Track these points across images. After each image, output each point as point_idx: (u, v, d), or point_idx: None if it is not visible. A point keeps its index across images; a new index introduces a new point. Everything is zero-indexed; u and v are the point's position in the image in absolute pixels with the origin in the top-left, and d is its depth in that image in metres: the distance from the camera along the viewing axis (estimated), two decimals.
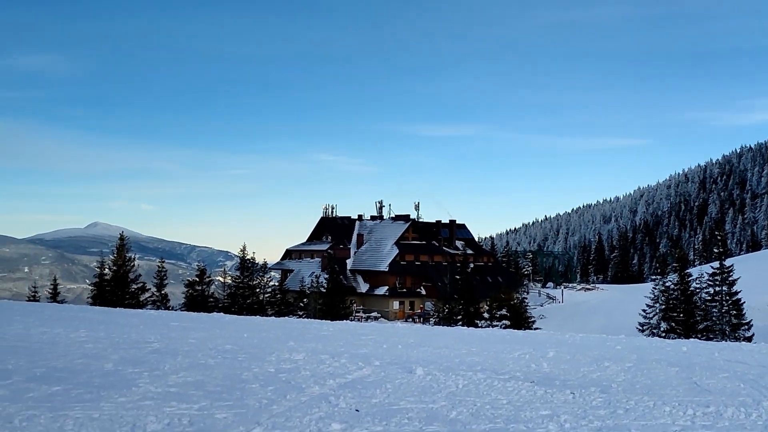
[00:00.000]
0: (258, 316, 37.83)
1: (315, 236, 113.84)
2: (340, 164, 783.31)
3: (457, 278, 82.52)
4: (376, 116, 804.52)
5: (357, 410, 10.16)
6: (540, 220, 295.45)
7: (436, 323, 75.25)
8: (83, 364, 12.74)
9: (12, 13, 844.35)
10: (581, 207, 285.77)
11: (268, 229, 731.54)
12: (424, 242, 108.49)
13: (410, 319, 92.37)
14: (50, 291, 64.70)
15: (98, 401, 9.93)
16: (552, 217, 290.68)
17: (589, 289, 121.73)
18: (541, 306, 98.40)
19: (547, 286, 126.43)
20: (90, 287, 68.72)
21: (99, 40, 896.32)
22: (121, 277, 64.96)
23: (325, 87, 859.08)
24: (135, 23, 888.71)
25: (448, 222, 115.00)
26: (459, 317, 75.04)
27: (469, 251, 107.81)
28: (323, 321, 30.96)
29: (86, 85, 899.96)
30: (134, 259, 67.55)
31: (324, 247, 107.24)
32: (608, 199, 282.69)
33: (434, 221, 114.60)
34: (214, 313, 39.24)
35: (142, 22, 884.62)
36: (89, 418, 8.88)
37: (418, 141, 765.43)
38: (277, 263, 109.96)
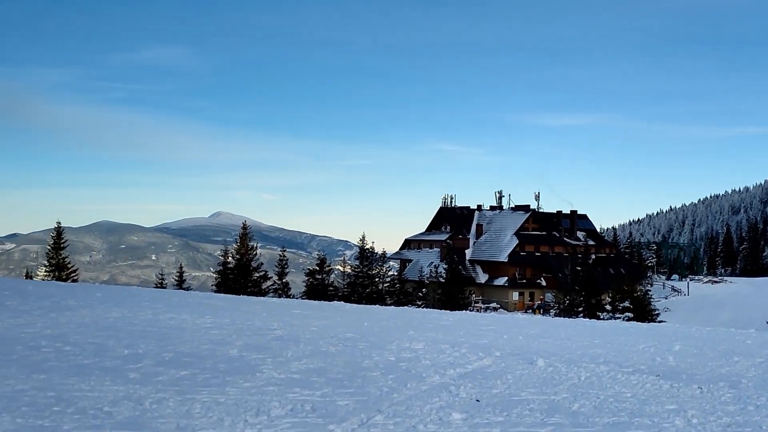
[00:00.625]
0: (377, 306, 38.14)
1: (434, 226, 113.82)
2: (460, 154, 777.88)
3: (578, 269, 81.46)
4: (496, 105, 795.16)
5: (477, 400, 10.10)
6: (665, 211, 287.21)
7: (556, 314, 74.41)
8: (209, 349, 13.07)
9: (138, 7, 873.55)
10: (708, 197, 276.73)
11: (387, 218, 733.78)
12: (544, 233, 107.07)
13: (529, 310, 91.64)
14: (176, 278, 66.58)
15: (224, 386, 10.17)
16: (677, 207, 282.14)
17: (716, 281, 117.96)
18: (666, 299, 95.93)
19: (672, 278, 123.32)
20: (214, 275, 70.64)
21: (223, 33, 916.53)
22: (243, 266, 66.28)
23: (445, 76, 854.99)
24: (257, 15, 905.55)
25: (569, 212, 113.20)
26: (580, 309, 74.09)
27: (591, 242, 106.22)
28: (443, 311, 30.91)
29: (211, 77, 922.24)
30: (256, 247, 68.82)
31: (443, 237, 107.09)
32: (737, 189, 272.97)
33: (555, 211, 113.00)
34: (335, 301, 39.70)
35: (264, 15, 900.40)
36: (215, 402, 9.09)
37: (540, 130, 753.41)
38: (396, 253, 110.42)
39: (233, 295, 36.44)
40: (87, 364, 11.28)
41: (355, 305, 31.01)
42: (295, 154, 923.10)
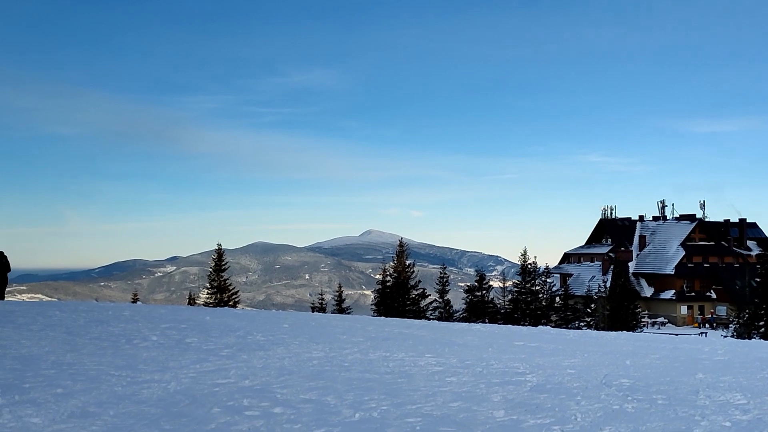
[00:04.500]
0: (603, 332, 34.36)
1: (594, 239, 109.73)
2: (612, 165, 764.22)
3: (757, 280, 75.49)
4: (643, 113, 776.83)
5: None
6: None
7: (736, 330, 69.72)
8: (464, 409, 9.37)
9: (288, 34, 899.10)
10: None
11: (538, 232, 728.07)
12: (712, 243, 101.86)
13: (706, 325, 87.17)
14: (335, 298, 65.33)
15: None
16: None
17: None
18: None
19: None
20: (369, 293, 69.61)
21: (368, 53, 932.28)
22: (401, 284, 65.08)
23: (589, 86, 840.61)
24: (400, 33, 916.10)
25: (737, 221, 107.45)
26: (761, 323, 68.48)
27: (763, 252, 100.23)
28: (700, 337, 25.82)
29: (358, 97, 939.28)
30: (413, 265, 67.70)
31: (604, 249, 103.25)
32: None
33: (722, 220, 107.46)
34: (542, 326, 36.31)
35: (407, 32, 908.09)
36: None
37: (694, 137, 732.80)
38: (555, 267, 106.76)
39: (436, 322, 33.52)
40: None
41: (575, 331, 26.74)
42: (442, 170, 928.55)
